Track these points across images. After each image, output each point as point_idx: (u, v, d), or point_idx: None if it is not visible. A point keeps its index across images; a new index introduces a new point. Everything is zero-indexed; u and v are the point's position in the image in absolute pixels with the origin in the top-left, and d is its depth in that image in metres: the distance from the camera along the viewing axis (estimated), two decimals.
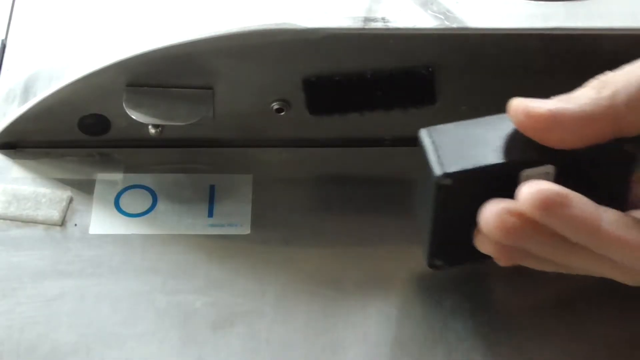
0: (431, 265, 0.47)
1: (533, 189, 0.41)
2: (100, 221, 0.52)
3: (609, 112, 0.41)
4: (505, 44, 0.50)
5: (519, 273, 0.50)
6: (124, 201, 0.52)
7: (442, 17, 0.50)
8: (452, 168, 0.42)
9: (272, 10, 0.50)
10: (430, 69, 0.50)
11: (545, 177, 0.43)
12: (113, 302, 0.48)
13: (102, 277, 0.49)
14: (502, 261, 0.44)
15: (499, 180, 0.43)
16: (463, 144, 0.43)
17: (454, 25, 0.50)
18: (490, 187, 0.43)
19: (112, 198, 0.52)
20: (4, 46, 0.56)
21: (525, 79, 0.51)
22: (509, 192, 0.42)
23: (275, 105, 0.53)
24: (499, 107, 0.44)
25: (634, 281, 0.44)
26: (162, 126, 0.52)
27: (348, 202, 0.53)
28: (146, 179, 0.53)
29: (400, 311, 0.48)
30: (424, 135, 0.44)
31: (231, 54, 0.50)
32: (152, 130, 0.52)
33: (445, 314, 0.48)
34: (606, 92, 0.41)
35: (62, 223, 0.51)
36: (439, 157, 0.43)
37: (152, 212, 0.52)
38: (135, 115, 0.51)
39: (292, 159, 0.55)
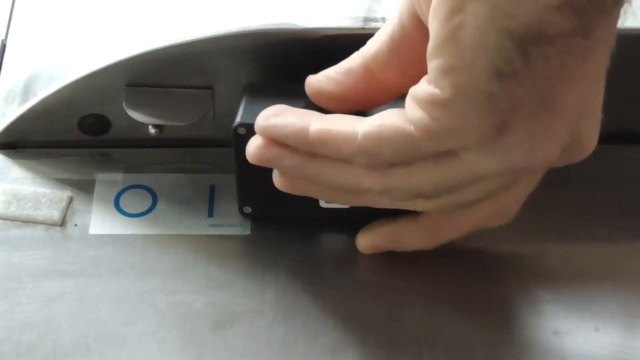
0: (241, 211, 0.51)
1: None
2: (100, 221, 0.52)
3: (362, 63, 0.45)
4: None
5: (519, 274, 0.50)
6: (124, 201, 0.52)
7: None
8: (248, 120, 0.47)
9: (272, 10, 0.50)
10: None
11: None
12: (113, 302, 0.48)
13: (102, 277, 0.49)
14: (283, 186, 0.47)
15: None
16: (268, 103, 0.47)
17: None
18: None
19: (112, 198, 0.52)
20: (4, 46, 0.56)
21: None
22: None
23: None
24: None
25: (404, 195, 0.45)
26: (162, 126, 0.52)
27: None
28: (146, 179, 0.53)
29: (400, 311, 0.48)
30: (244, 92, 0.49)
31: (231, 54, 0.50)
32: (152, 130, 0.52)
33: (445, 314, 0.48)
34: (361, 51, 0.46)
35: (62, 223, 0.51)
36: (243, 110, 0.48)
37: (152, 212, 0.52)
38: (135, 115, 0.51)
39: None
